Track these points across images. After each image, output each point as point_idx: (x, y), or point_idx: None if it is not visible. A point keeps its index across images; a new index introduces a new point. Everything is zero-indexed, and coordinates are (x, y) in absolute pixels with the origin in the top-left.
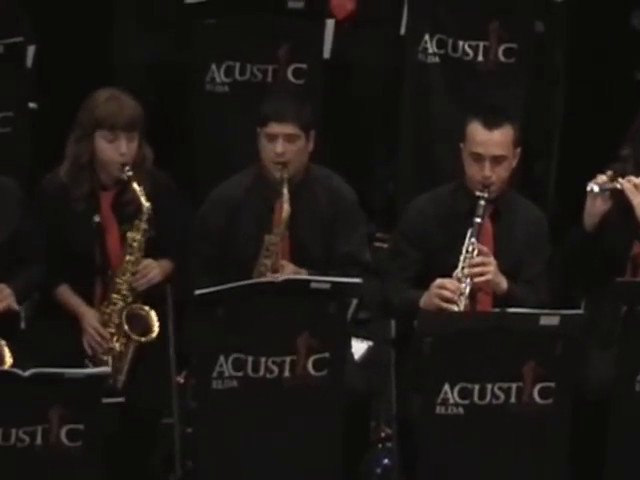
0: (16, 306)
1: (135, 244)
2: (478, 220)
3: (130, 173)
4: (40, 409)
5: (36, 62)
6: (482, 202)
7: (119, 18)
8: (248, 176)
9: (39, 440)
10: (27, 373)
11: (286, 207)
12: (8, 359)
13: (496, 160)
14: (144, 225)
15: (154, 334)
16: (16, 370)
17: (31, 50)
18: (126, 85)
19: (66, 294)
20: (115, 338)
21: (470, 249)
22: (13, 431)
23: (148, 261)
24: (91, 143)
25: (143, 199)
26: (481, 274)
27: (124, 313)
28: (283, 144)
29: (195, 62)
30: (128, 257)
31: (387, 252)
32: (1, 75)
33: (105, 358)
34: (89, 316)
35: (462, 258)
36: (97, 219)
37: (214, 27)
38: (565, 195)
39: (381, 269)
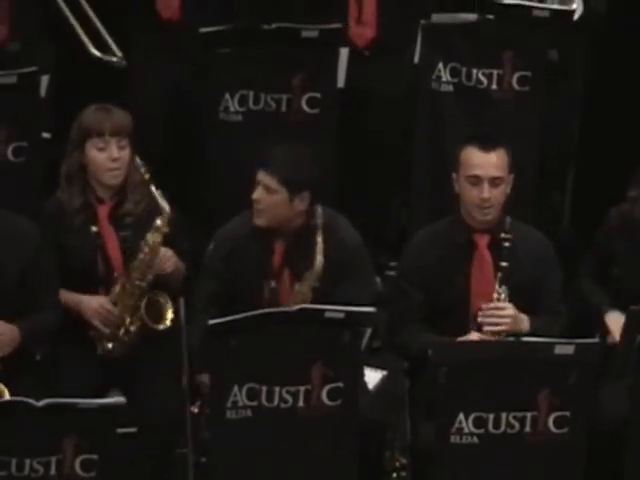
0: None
1: (152, 244)
2: (504, 264)
3: (148, 175)
4: (54, 439)
5: (51, 92)
6: (506, 244)
7: (134, 47)
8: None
9: (53, 470)
10: (41, 403)
11: (319, 258)
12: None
13: (494, 182)
14: (165, 228)
15: (167, 323)
16: (30, 400)
17: (45, 80)
18: (140, 114)
19: (64, 295)
20: (128, 319)
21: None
22: (27, 461)
23: (167, 249)
24: (81, 154)
25: (163, 202)
26: (503, 325)
27: (145, 298)
28: (260, 191)
29: (209, 91)
30: (142, 256)
31: (391, 291)
32: (15, 105)
33: (114, 331)
34: (90, 298)
35: (485, 307)
36: (95, 229)
37: (228, 56)
38: (581, 223)
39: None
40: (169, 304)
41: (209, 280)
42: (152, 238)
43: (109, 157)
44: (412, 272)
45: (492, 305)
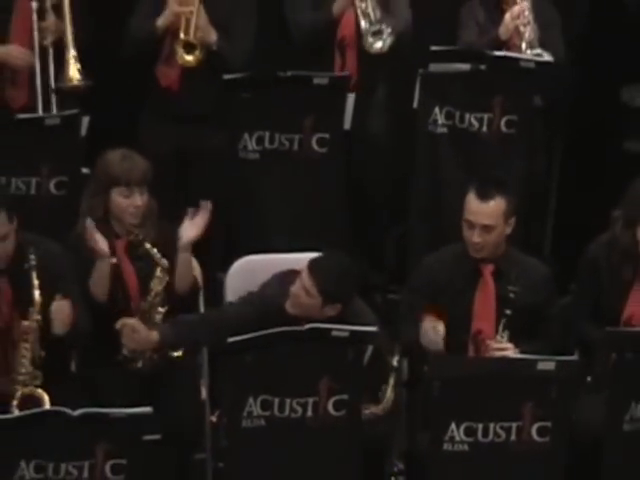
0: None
1: (156, 291)
2: (508, 312)
3: (141, 237)
4: (87, 445)
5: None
6: (512, 295)
7: (149, 111)
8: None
9: (86, 474)
10: (76, 413)
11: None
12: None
13: (485, 229)
14: (165, 278)
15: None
16: (66, 410)
17: (85, 121)
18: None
19: None
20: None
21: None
22: (63, 466)
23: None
24: (107, 198)
25: (159, 259)
26: None
27: None
28: (299, 288)
29: (230, 132)
30: (150, 298)
31: (400, 308)
32: (57, 143)
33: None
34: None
35: (491, 344)
36: (113, 260)
37: (248, 100)
38: (562, 254)
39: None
40: None
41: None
42: (155, 285)
43: (132, 203)
44: (422, 286)
45: (496, 346)
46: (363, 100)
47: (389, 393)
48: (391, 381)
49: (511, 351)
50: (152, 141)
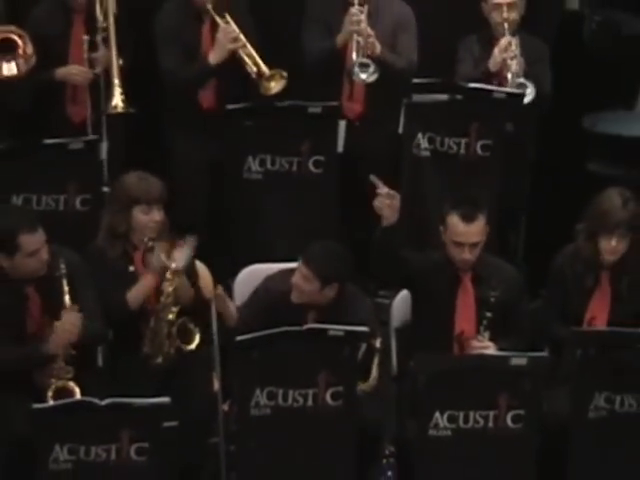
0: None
1: (167, 293)
2: (489, 315)
3: (151, 243)
4: (113, 431)
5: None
6: (492, 299)
7: (172, 126)
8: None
9: (113, 456)
10: (103, 403)
11: (374, 373)
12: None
13: (474, 245)
14: (175, 280)
15: (193, 345)
16: (95, 400)
17: (104, 145)
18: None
19: None
20: (167, 342)
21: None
22: (93, 448)
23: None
24: (128, 215)
25: (167, 261)
26: None
27: (175, 327)
28: (299, 277)
29: (235, 155)
30: (163, 300)
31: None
32: (82, 165)
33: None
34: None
35: (473, 343)
36: (132, 269)
37: (251, 127)
38: (533, 262)
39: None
40: (196, 329)
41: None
42: (166, 287)
43: (152, 219)
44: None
45: (479, 345)
46: (368, 127)
47: (374, 372)
48: (376, 361)
49: (491, 349)
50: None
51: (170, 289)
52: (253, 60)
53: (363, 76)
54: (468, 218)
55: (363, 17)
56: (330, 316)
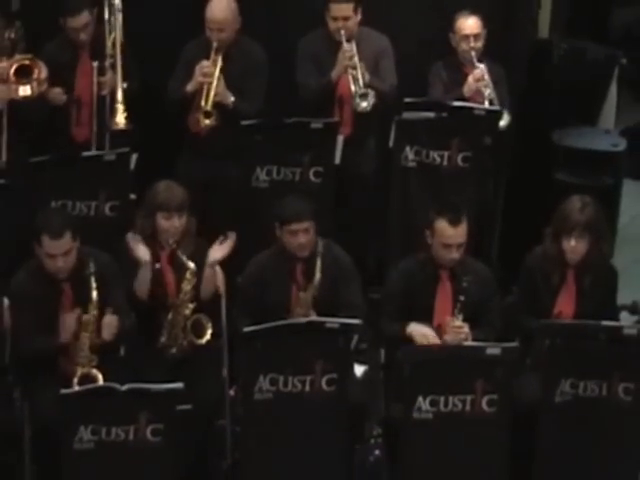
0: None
1: (185, 290)
2: (462, 298)
3: (174, 245)
4: (132, 413)
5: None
6: (465, 284)
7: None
8: (272, 252)
9: (132, 436)
10: (124, 388)
11: (318, 274)
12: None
13: (459, 246)
14: (193, 280)
15: (204, 339)
16: (115, 386)
17: (134, 157)
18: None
19: None
20: (181, 334)
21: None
22: (113, 429)
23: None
24: (153, 220)
25: (187, 262)
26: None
27: (190, 321)
28: (302, 235)
29: (245, 165)
30: (182, 296)
31: (381, 308)
32: (113, 174)
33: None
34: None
35: (448, 327)
36: (158, 266)
37: (260, 140)
38: (506, 261)
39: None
40: (209, 324)
41: (245, 296)
42: (185, 286)
43: (172, 225)
44: (396, 287)
45: (455, 324)
46: (356, 145)
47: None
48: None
49: (465, 329)
50: (186, 173)
51: (188, 287)
52: (207, 95)
53: (364, 104)
54: (454, 222)
55: (354, 51)
56: (309, 266)
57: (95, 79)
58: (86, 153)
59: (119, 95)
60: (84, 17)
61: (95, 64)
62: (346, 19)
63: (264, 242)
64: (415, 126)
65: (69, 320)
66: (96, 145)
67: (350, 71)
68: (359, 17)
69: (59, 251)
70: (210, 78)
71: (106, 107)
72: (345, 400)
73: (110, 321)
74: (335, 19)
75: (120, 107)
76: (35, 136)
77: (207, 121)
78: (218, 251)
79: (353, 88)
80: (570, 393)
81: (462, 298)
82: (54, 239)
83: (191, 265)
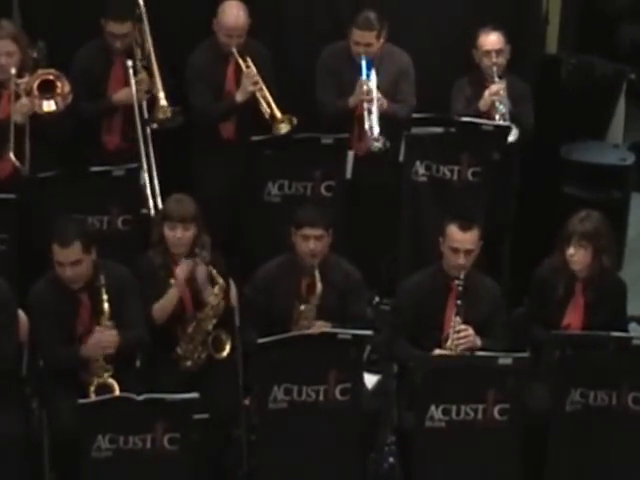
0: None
1: (212, 305)
2: (459, 302)
3: (208, 258)
4: (149, 423)
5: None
6: (460, 288)
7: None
8: (280, 262)
9: (149, 444)
10: (141, 398)
11: (319, 285)
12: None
13: (468, 252)
14: (221, 295)
15: (224, 354)
16: (132, 395)
17: (144, 173)
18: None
19: None
20: (200, 348)
21: (456, 325)
22: (131, 438)
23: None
24: (162, 230)
25: (218, 277)
26: (466, 342)
27: (211, 336)
28: (314, 242)
29: (257, 180)
30: (207, 310)
31: (390, 326)
32: (123, 189)
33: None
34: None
35: (451, 332)
36: (172, 281)
37: (271, 155)
38: (517, 275)
39: (384, 327)
40: (229, 339)
41: (252, 308)
42: (212, 300)
43: (175, 236)
44: (407, 301)
45: (458, 328)
46: (375, 160)
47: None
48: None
49: (470, 330)
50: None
51: (215, 302)
52: (267, 102)
53: (377, 146)
54: (465, 227)
55: (373, 86)
56: (328, 269)
57: (132, 80)
58: (94, 168)
59: (159, 88)
60: (127, 26)
61: (130, 63)
62: (368, 45)
63: (276, 256)
64: (424, 141)
65: (98, 337)
66: (131, 148)
67: (366, 105)
68: (382, 41)
69: (66, 259)
70: (260, 84)
71: (143, 108)
72: (359, 409)
73: (99, 337)
74: (357, 44)
75: (161, 95)
76: (64, 145)
77: (288, 126)
78: (182, 267)
79: (367, 125)
80: (580, 402)
81: (459, 302)
82: (62, 247)
83: (220, 280)
